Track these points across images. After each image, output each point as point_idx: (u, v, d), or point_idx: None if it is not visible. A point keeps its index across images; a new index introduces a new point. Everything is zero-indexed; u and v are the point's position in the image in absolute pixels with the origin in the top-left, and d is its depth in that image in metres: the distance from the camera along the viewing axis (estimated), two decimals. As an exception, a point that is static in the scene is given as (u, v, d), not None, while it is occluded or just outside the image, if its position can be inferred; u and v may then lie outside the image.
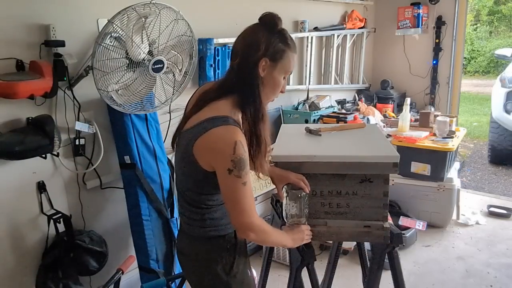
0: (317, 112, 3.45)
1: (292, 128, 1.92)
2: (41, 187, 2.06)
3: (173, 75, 2.17)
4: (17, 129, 1.90)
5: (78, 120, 2.12)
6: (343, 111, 3.79)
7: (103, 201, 2.36)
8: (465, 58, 10.43)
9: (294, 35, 3.28)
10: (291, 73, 1.35)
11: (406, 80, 4.55)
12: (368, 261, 1.96)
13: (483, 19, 12.97)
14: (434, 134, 3.35)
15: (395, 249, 1.54)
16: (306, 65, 3.73)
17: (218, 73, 2.78)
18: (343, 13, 4.15)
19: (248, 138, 1.25)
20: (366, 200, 1.46)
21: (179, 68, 2.16)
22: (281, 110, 3.49)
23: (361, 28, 4.28)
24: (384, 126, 3.70)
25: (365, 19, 4.33)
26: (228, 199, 1.23)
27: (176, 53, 2.10)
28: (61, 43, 1.97)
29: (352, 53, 4.38)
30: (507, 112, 4.90)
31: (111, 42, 1.93)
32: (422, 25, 4.19)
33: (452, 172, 3.40)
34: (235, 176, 1.18)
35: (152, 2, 1.93)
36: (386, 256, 1.57)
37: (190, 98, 1.40)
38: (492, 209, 3.67)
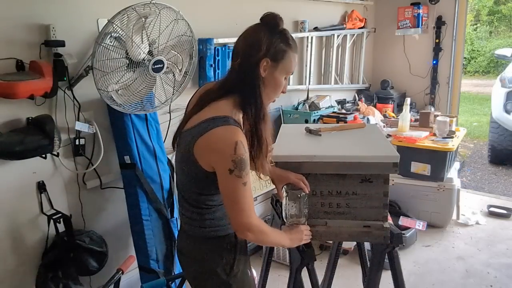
0: (317, 112, 3.45)
1: (292, 128, 1.92)
2: (41, 187, 2.06)
3: (173, 75, 2.17)
4: (17, 129, 1.90)
5: (78, 120, 2.12)
6: (343, 111, 3.79)
7: (103, 201, 2.36)
8: (465, 58, 10.43)
9: (294, 35, 3.27)
10: (292, 73, 1.35)
11: (406, 80, 4.55)
12: (368, 261, 1.96)
13: (483, 19, 12.97)
14: (434, 134, 3.35)
15: (395, 249, 1.54)
16: (306, 65, 3.73)
17: (218, 73, 2.78)
18: (343, 13, 4.15)
19: (249, 139, 1.25)
20: (366, 200, 1.46)
21: (179, 68, 2.16)
22: (281, 110, 3.49)
23: (361, 28, 4.28)
24: (384, 126, 3.70)
25: (365, 19, 4.33)
26: (227, 199, 1.23)
27: (176, 53, 2.10)
28: (61, 43, 1.97)
29: (352, 53, 4.38)
30: (507, 112, 4.90)
31: (111, 42, 1.93)
32: (422, 25, 4.19)
33: (452, 172, 3.40)
34: (235, 176, 1.18)
35: (152, 2, 1.93)
36: (386, 256, 1.57)
37: (191, 98, 1.40)
38: (492, 209, 3.67)
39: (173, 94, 2.23)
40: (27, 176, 2.01)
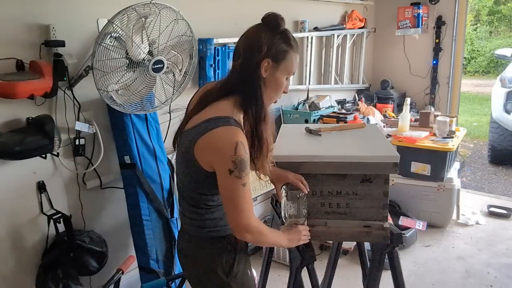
0: (317, 112, 3.45)
1: (292, 128, 1.92)
2: (41, 187, 2.06)
3: (173, 75, 2.17)
4: (17, 129, 1.90)
5: (78, 120, 2.12)
6: (343, 111, 3.79)
7: (103, 201, 2.36)
8: (465, 58, 10.43)
9: (294, 35, 3.28)
10: (293, 74, 1.35)
11: (406, 80, 4.55)
12: (368, 261, 1.96)
13: (483, 19, 12.97)
14: (434, 134, 3.35)
15: (395, 249, 1.54)
16: (306, 65, 3.73)
17: (218, 73, 2.78)
18: (343, 13, 4.15)
19: (249, 139, 1.24)
20: (366, 200, 1.46)
21: (179, 68, 2.16)
22: (281, 110, 3.49)
23: (361, 28, 4.28)
24: (384, 126, 3.70)
25: (365, 19, 4.33)
26: (226, 199, 1.23)
27: (176, 53, 2.10)
28: (61, 43, 1.97)
29: (352, 53, 4.38)
30: (507, 112, 4.90)
31: (111, 42, 1.93)
32: (422, 25, 4.19)
33: (452, 172, 3.40)
34: (235, 177, 1.18)
35: (152, 2, 1.93)
36: (386, 256, 1.57)
37: (192, 98, 1.39)
38: (492, 209, 3.67)
39: (173, 94, 2.23)
40: (27, 176, 2.01)
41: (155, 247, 2.32)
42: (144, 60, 1.99)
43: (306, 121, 3.35)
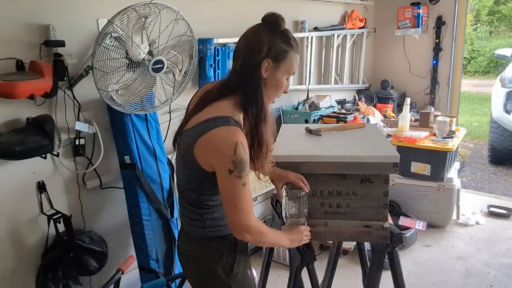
0: (317, 112, 3.45)
1: (292, 128, 1.92)
2: (41, 187, 2.06)
3: (173, 75, 2.17)
4: (17, 129, 1.90)
5: (78, 120, 2.12)
6: (343, 111, 3.79)
7: (103, 201, 2.36)
8: (465, 58, 10.43)
9: (294, 35, 3.28)
10: (294, 74, 1.35)
11: (406, 80, 4.55)
12: (368, 261, 1.96)
13: (483, 19, 12.97)
14: (434, 134, 3.35)
15: (395, 249, 1.54)
16: (306, 65, 3.73)
17: (218, 73, 2.78)
18: (343, 13, 4.15)
19: (249, 139, 1.24)
20: (366, 200, 1.46)
21: (179, 68, 2.16)
22: (281, 110, 3.49)
23: (361, 28, 4.28)
24: (384, 126, 3.70)
25: (365, 19, 4.33)
26: (226, 199, 1.23)
27: (176, 53, 2.10)
28: (61, 43, 1.97)
29: (352, 53, 4.38)
30: (507, 112, 4.90)
31: (111, 42, 1.93)
32: (422, 25, 4.19)
33: (452, 172, 3.40)
34: (235, 177, 1.18)
35: (152, 2, 1.93)
36: (386, 256, 1.57)
37: (192, 98, 1.39)
38: (492, 209, 3.67)
39: (173, 94, 2.23)
40: (27, 176, 2.01)
41: (155, 247, 2.32)
42: (144, 60, 1.99)
43: (306, 121, 3.35)
